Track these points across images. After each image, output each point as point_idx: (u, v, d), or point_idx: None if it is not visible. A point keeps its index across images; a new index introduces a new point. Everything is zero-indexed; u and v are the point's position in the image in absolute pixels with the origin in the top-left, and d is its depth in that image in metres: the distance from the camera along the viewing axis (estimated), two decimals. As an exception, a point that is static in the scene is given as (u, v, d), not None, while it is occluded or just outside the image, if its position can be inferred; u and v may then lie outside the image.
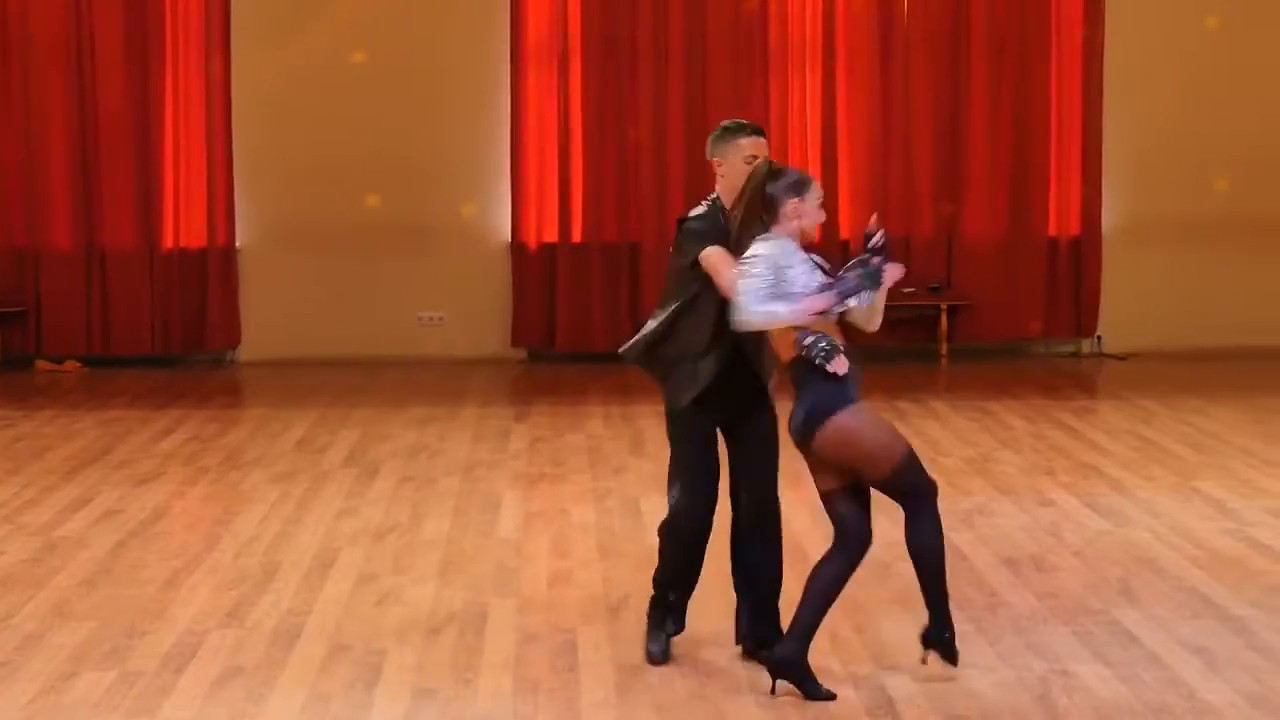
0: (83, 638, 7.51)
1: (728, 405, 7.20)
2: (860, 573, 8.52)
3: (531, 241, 16.14)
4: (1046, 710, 6.58)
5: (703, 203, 7.32)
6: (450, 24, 16.14)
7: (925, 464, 11.09)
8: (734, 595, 7.36)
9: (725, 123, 7.43)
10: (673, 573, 7.35)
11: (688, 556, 7.32)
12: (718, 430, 7.29)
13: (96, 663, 7.18)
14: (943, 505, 9.94)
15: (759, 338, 7.01)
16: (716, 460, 7.28)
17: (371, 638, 7.53)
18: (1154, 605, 7.97)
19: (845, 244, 15.88)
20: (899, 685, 6.83)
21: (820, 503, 6.81)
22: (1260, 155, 16.40)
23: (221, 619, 7.82)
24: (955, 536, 9.24)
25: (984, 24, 16.23)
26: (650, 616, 7.37)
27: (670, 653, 7.24)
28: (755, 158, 7.17)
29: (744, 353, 7.15)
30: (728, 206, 7.19)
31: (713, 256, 7.09)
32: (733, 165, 7.22)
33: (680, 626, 7.37)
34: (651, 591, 7.41)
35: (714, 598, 7.59)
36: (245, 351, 16.29)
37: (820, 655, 7.19)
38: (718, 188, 7.31)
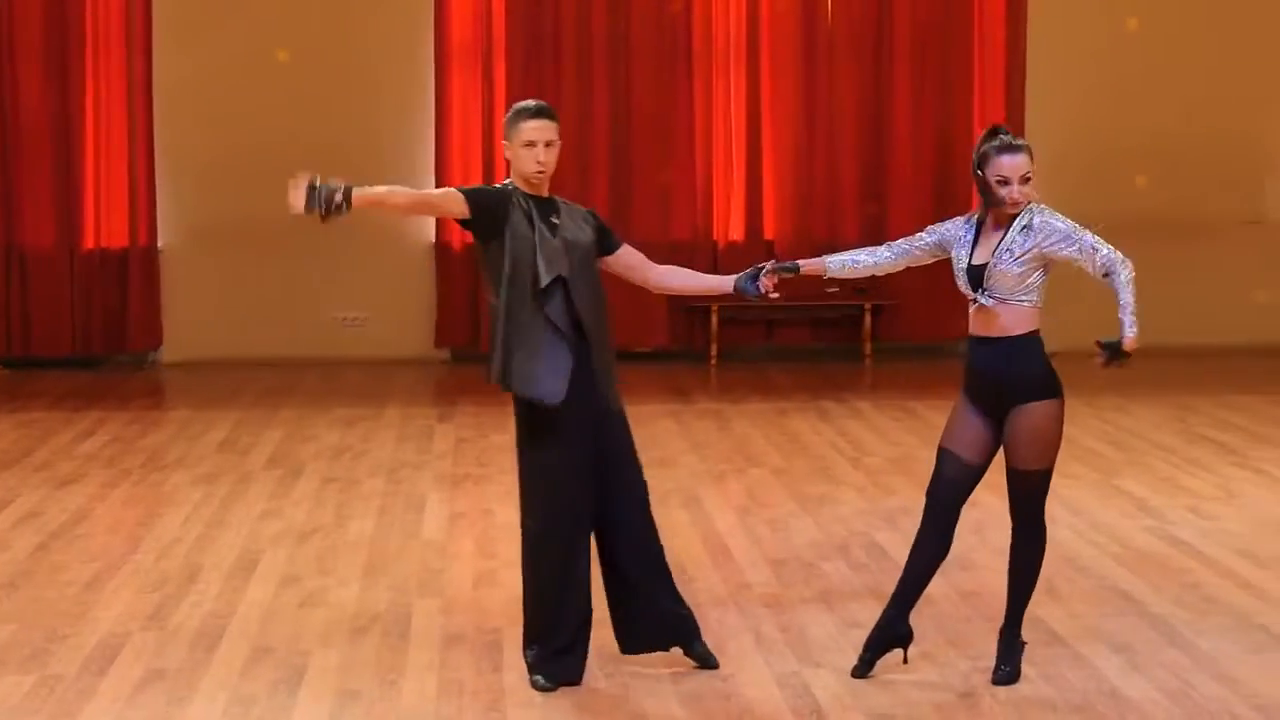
0: (2, 641, 7.43)
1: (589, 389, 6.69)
2: (784, 572, 8.58)
3: (455, 242, 16.07)
4: (970, 708, 6.60)
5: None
6: (374, 22, 16.08)
7: (849, 463, 11.27)
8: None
9: (516, 105, 6.95)
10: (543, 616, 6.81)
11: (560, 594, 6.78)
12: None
13: (16, 666, 7.11)
14: (867, 505, 10.07)
15: (598, 304, 6.77)
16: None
17: (295, 639, 7.48)
18: (1076, 603, 8.01)
19: (770, 244, 15.93)
20: (824, 683, 6.84)
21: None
22: (1179, 155, 16.53)
23: (143, 621, 7.76)
24: (880, 536, 9.29)
25: (907, 24, 16.30)
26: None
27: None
28: (533, 144, 6.74)
29: (583, 322, 6.70)
30: (527, 191, 6.79)
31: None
32: (514, 151, 6.79)
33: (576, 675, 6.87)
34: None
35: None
36: (167, 352, 16.17)
37: (744, 654, 7.21)
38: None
